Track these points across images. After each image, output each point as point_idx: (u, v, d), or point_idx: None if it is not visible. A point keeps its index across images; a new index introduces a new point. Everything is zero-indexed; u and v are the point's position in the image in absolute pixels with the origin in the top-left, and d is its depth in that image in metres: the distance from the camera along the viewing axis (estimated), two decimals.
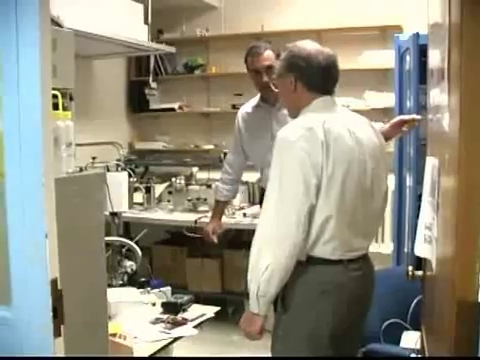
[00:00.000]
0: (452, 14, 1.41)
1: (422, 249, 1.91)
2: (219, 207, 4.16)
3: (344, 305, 2.31)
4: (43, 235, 1.62)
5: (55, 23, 2.32)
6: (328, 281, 2.27)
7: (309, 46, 2.38)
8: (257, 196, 5.66)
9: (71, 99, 2.28)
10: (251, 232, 5.20)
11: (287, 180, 2.20)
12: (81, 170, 2.10)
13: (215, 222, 4.07)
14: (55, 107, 2.02)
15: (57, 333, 1.66)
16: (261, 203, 2.58)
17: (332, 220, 2.21)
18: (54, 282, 1.64)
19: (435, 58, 1.82)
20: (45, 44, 1.60)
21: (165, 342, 2.65)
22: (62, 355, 1.68)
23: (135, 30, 4.91)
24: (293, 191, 2.18)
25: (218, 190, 4.04)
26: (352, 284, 2.32)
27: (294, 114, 2.44)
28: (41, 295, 1.64)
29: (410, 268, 2.25)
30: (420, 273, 2.25)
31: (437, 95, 1.76)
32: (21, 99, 1.65)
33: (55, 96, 2.02)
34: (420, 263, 2.28)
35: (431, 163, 1.86)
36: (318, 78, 2.35)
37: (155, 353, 2.54)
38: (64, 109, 2.09)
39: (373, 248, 4.18)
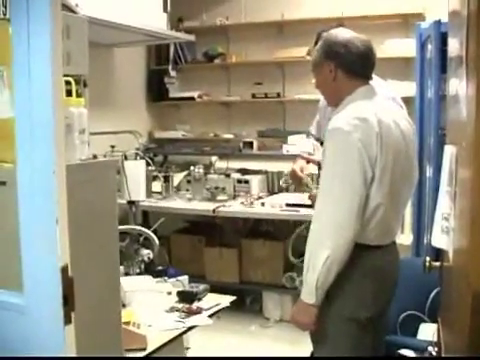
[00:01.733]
0: (471, 1, 1.37)
1: (439, 240, 1.88)
2: None
3: (382, 288, 2.36)
4: (54, 221, 1.61)
5: (71, 10, 2.31)
6: (368, 265, 2.31)
7: (346, 33, 2.38)
8: (276, 186, 5.64)
9: (85, 86, 2.27)
10: (269, 222, 5.32)
11: (345, 171, 2.20)
12: (95, 157, 2.09)
13: (302, 162, 3.51)
14: (68, 94, 2.01)
15: (68, 320, 1.65)
16: None
17: (381, 208, 2.25)
18: (65, 269, 1.63)
19: (454, 46, 1.77)
20: (56, 29, 1.59)
21: (179, 331, 2.64)
22: (72, 343, 1.67)
23: (155, 18, 4.90)
24: (351, 182, 2.19)
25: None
26: (388, 268, 2.38)
27: (335, 103, 2.44)
28: (51, 282, 1.63)
29: (427, 259, 2.23)
30: (438, 264, 2.22)
31: (456, 83, 1.72)
32: (32, 85, 1.64)
33: (68, 83, 2.01)
34: (438, 254, 2.25)
35: (449, 151, 1.83)
36: (358, 64, 2.34)
37: (169, 342, 2.53)
38: (78, 96, 2.08)
39: None
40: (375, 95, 2.38)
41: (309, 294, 2.24)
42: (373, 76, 3.09)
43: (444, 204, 1.86)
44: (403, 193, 2.37)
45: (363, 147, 2.17)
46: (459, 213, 1.57)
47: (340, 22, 3.03)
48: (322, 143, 2.58)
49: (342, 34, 2.36)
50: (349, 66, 2.33)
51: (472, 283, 1.27)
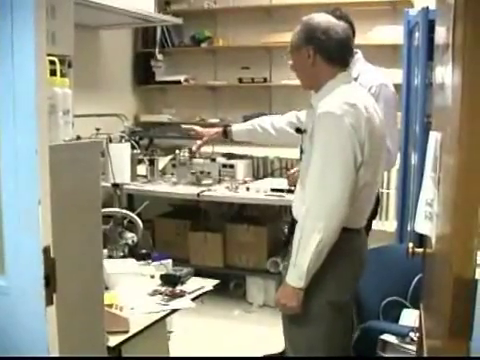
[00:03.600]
0: None
1: (422, 226, 1.89)
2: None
3: (360, 271, 2.44)
4: (36, 202, 1.60)
5: None
6: (349, 248, 2.36)
7: (326, 18, 2.39)
8: (261, 171, 5.64)
9: (70, 66, 2.25)
10: (254, 207, 5.32)
11: (337, 154, 2.23)
12: (79, 139, 2.07)
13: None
14: (53, 74, 1.99)
15: (49, 301, 1.64)
16: None
17: (364, 191, 2.31)
18: (47, 250, 1.62)
19: (441, 33, 1.77)
20: (39, 7, 1.56)
21: (162, 314, 2.64)
22: (54, 324, 1.66)
23: (142, 1, 4.86)
24: (344, 165, 2.22)
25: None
26: (363, 250, 2.47)
27: (309, 86, 2.46)
28: (33, 263, 1.62)
29: (410, 245, 2.24)
30: (421, 251, 2.23)
31: (441, 70, 1.72)
32: (15, 64, 1.61)
33: (53, 62, 1.99)
34: (422, 241, 2.27)
35: (434, 138, 1.83)
36: (338, 50, 2.36)
37: (151, 325, 2.53)
38: (62, 76, 2.06)
39: (377, 226, 4.19)
40: (351, 80, 2.45)
41: (299, 278, 2.26)
42: (364, 62, 3.10)
43: (428, 190, 1.87)
44: (378, 179, 2.47)
45: (354, 132, 2.21)
46: (442, 199, 1.58)
47: (336, 7, 3.01)
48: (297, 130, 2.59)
49: (323, 19, 2.36)
50: (329, 52, 2.34)
51: (454, 268, 1.28)
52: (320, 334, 2.39)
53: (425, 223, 1.86)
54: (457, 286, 1.28)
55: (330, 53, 2.34)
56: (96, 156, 2.08)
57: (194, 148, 3.48)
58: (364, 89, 2.58)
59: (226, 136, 3.37)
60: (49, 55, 1.86)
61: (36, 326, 1.67)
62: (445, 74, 1.60)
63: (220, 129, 3.35)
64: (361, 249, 2.46)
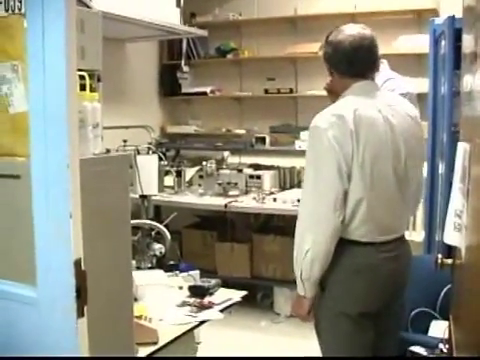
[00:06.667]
0: None
1: (452, 237, 1.87)
2: None
3: (376, 285, 2.36)
4: (67, 215, 1.63)
5: (84, 4, 2.32)
6: (361, 262, 2.33)
7: (344, 31, 2.40)
8: (288, 181, 5.64)
9: (99, 80, 2.28)
10: (281, 217, 5.31)
11: (322, 167, 2.25)
12: (108, 152, 2.10)
13: None
14: (82, 88, 2.02)
15: (80, 314, 1.67)
16: None
17: (363, 203, 2.27)
18: (78, 263, 1.65)
19: (469, 42, 1.76)
20: (71, 23, 1.59)
21: (190, 325, 2.64)
22: (85, 336, 1.68)
23: (167, 13, 4.90)
24: (328, 177, 2.24)
25: None
26: (385, 265, 2.36)
27: (331, 100, 2.46)
28: (65, 275, 1.65)
29: (439, 256, 2.22)
30: (450, 262, 2.21)
31: (470, 79, 1.71)
32: (47, 79, 1.65)
33: (82, 77, 2.02)
34: (450, 251, 2.24)
35: (462, 148, 1.82)
36: (345, 64, 2.38)
37: (180, 336, 2.53)
38: (91, 90, 2.09)
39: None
40: (373, 90, 2.42)
41: (299, 286, 2.34)
42: (389, 71, 3.08)
43: (457, 201, 1.85)
44: (397, 192, 2.36)
45: (337, 144, 2.21)
46: (472, 210, 1.56)
47: (352, 19, 3.04)
48: None
49: (338, 33, 2.40)
50: (337, 66, 2.40)
51: None
52: (336, 346, 2.40)
53: (454, 234, 1.84)
54: None
55: (338, 67, 2.40)
56: (125, 169, 2.10)
57: None
58: (394, 99, 2.52)
59: None
60: (79, 70, 1.89)
61: (67, 338, 1.69)
62: (474, 83, 1.59)
63: None
64: (379, 264, 2.35)
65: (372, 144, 2.26)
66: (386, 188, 2.33)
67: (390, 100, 2.45)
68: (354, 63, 2.38)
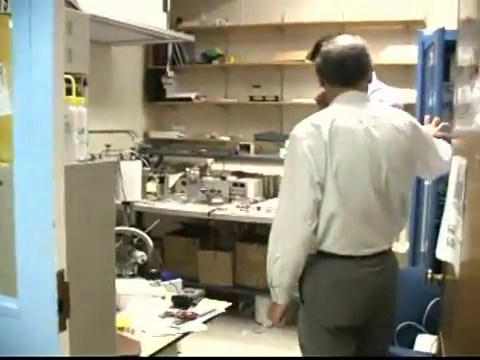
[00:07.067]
0: None
1: (444, 252, 1.84)
2: None
3: (357, 298, 2.33)
4: (50, 224, 1.56)
5: (71, 6, 2.25)
6: (339, 275, 2.32)
7: (335, 42, 2.40)
8: (272, 190, 5.60)
9: (85, 84, 2.22)
10: (265, 226, 5.26)
11: (295, 176, 2.27)
12: (93, 158, 2.03)
13: None
14: (68, 92, 1.96)
15: (62, 327, 1.60)
16: None
17: (337, 218, 2.27)
18: (61, 274, 1.58)
19: (467, 54, 1.73)
20: (59, 25, 1.53)
21: (174, 337, 2.59)
22: (66, 350, 1.62)
23: (154, 17, 4.85)
24: (300, 186, 2.25)
25: None
26: (367, 279, 2.33)
27: (320, 108, 2.48)
28: (47, 287, 1.58)
29: (429, 271, 2.19)
30: (439, 277, 2.18)
31: (468, 92, 1.68)
32: (32, 82, 1.59)
33: (68, 81, 1.96)
34: (437, 265, 2.21)
35: (458, 163, 1.78)
36: (333, 74, 2.40)
37: (163, 348, 2.48)
38: (78, 94, 2.03)
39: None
40: (358, 100, 2.39)
41: (271, 293, 2.37)
42: (376, 82, 3.05)
43: (450, 216, 1.82)
44: (377, 205, 2.30)
45: (311, 153, 2.23)
46: (470, 226, 1.53)
47: (341, 28, 3.02)
48: None
49: (328, 44, 2.41)
50: (327, 76, 2.43)
51: None
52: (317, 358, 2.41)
53: (447, 249, 1.81)
54: None
55: (327, 77, 2.42)
56: (111, 176, 2.04)
57: None
58: (381, 110, 2.48)
59: None
60: (65, 73, 1.83)
61: (48, 352, 1.62)
62: (473, 97, 1.55)
63: None
64: (360, 278, 2.31)
65: (347, 155, 2.25)
66: (363, 201, 2.29)
67: (376, 111, 2.40)
68: (341, 72, 2.39)
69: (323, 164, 2.22)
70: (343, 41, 2.38)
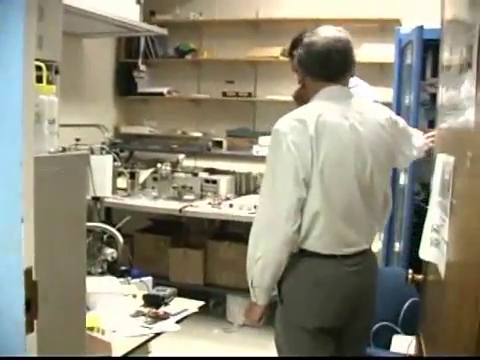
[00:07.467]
0: None
1: (427, 252, 1.80)
2: None
3: (337, 299, 2.29)
4: (19, 220, 1.46)
5: None
6: (321, 274, 2.26)
7: (318, 33, 2.33)
8: (244, 187, 5.54)
9: (57, 72, 2.12)
10: (237, 224, 5.20)
11: (279, 172, 2.20)
12: (64, 150, 1.94)
13: None
14: (39, 80, 1.86)
15: (30, 328, 1.50)
16: None
17: (321, 216, 2.20)
18: (29, 272, 1.48)
19: (456, 51, 1.68)
20: (30, 8, 1.44)
21: (145, 337, 2.51)
22: (34, 352, 1.52)
23: (127, 9, 4.75)
24: (284, 183, 2.18)
25: None
26: (347, 279, 2.29)
27: (299, 103, 2.44)
28: (13, 286, 1.48)
29: (410, 271, 2.16)
30: (420, 277, 2.15)
31: (456, 90, 1.63)
32: (1, 68, 1.48)
33: (39, 68, 1.86)
34: (414, 265, 2.18)
35: (443, 161, 1.74)
36: (317, 67, 2.32)
37: (134, 349, 2.40)
38: (49, 83, 1.93)
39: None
40: (342, 95, 2.34)
41: (251, 293, 2.31)
42: (357, 79, 3.02)
43: (435, 215, 1.77)
44: (360, 203, 2.27)
45: (296, 149, 2.16)
46: (458, 225, 1.48)
47: (315, 25, 2.95)
48: None
49: (312, 35, 2.33)
50: (309, 68, 2.35)
51: None
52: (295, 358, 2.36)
53: (431, 250, 1.77)
54: None
55: (310, 70, 2.34)
56: (82, 169, 1.95)
57: None
58: (366, 106, 2.44)
59: None
60: (36, 60, 1.73)
61: (15, 354, 1.53)
62: (462, 94, 1.50)
63: None
64: (340, 277, 2.27)
65: (333, 151, 2.20)
66: (348, 198, 2.25)
67: (361, 107, 2.37)
68: (326, 66, 2.31)
69: (309, 160, 2.16)
70: (327, 32, 2.31)
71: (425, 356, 1.96)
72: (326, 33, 2.31)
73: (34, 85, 1.69)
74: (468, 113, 1.40)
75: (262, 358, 3.82)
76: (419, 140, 2.66)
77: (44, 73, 1.88)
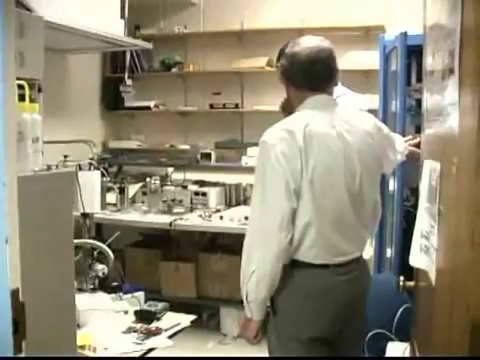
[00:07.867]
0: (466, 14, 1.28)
1: (417, 259, 1.79)
2: None
3: (330, 309, 2.27)
4: (3, 240, 1.45)
5: (24, 7, 2.14)
6: (313, 285, 2.24)
7: (301, 43, 2.33)
8: (234, 198, 5.53)
9: (40, 91, 2.11)
10: (227, 236, 5.19)
11: (269, 184, 2.18)
12: (49, 168, 1.92)
13: None
14: (21, 98, 1.85)
15: (18, 349, 1.48)
16: None
17: (313, 226, 2.19)
18: (15, 293, 1.47)
19: (438, 56, 1.68)
20: (8, 24, 1.42)
21: (138, 354, 2.49)
22: None
23: (111, 24, 4.73)
24: (275, 195, 2.16)
25: None
26: (339, 288, 2.27)
27: (285, 113, 2.42)
28: (0, 308, 1.46)
29: (401, 279, 2.15)
30: (412, 284, 2.13)
31: (440, 95, 1.62)
32: None
33: (21, 87, 1.85)
34: (406, 271, 2.17)
35: (429, 167, 1.73)
36: (300, 76, 2.31)
37: None
38: (31, 101, 1.92)
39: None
40: (328, 104, 2.34)
41: (246, 308, 2.26)
42: (343, 88, 3.02)
43: (423, 222, 1.77)
44: (351, 211, 2.26)
45: (285, 160, 2.15)
46: (447, 232, 1.47)
47: (300, 34, 2.95)
48: None
49: (294, 45, 2.34)
50: (293, 78, 2.34)
51: (471, 309, 1.16)
52: None
53: (420, 256, 1.76)
54: (476, 328, 1.16)
55: (295, 79, 2.33)
56: (68, 187, 1.94)
57: None
58: (352, 115, 2.44)
59: None
60: (17, 79, 1.72)
61: None
62: (446, 100, 1.50)
63: None
64: (333, 287, 2.26)
65: (323, 160, 2.18)
66: (338, 207, 2.24)
67: (347, 116, 2.37)
68: (310, 75, 2.31)
69: (298, 171, 2.14)
70: (309, 43, 2.31)
71: (418, 356, 1.95)
72: (308, 43, 2.31)
73: (16, 104, 1.67)
74: (452, 119, 1.39)
75: (262, 358, 3.80)
76: (401, 144, 2.76)
77: (26, 91, 1.87)
